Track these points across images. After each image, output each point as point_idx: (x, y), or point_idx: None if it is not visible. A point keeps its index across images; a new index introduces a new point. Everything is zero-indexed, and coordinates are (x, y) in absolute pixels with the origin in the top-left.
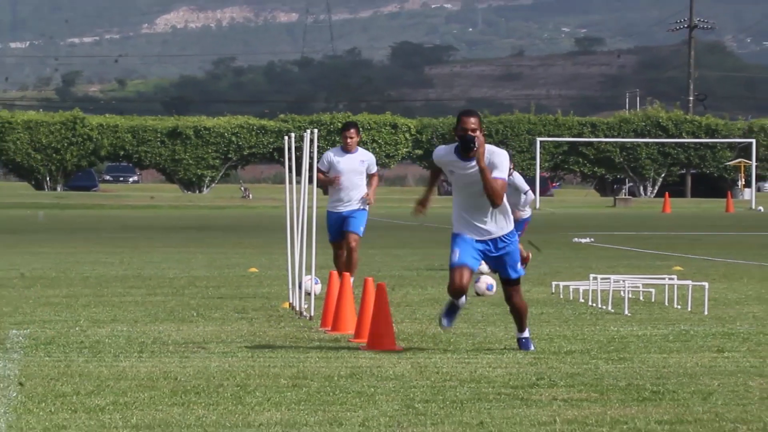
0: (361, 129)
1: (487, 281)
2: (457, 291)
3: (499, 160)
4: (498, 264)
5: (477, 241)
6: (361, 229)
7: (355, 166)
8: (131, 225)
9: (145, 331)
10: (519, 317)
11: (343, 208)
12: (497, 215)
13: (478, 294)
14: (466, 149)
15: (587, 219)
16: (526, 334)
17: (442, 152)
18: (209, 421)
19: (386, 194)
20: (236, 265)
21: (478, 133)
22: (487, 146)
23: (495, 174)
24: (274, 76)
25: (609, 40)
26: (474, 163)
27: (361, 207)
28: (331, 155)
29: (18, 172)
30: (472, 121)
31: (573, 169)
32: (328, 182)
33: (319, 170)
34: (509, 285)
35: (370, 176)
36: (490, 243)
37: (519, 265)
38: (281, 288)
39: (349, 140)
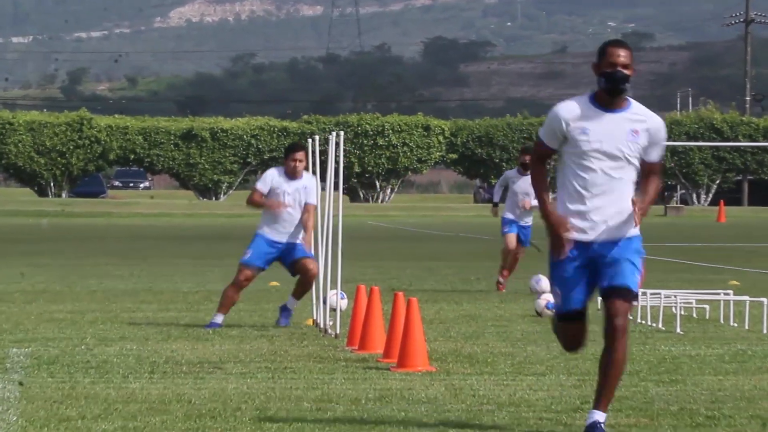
0: (385, 132)
1: (549, 298)
2: (574, 346)
3: (660, 136)
4: (610, 268)
5: (583, 243)
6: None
7: (301, 197)
8: (142, 235)
9: (156, 349)
10: (608, 377)
11: (281, 239)
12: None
13: (537, 313)
14: (615, 91)
15: None
16: (603, 417)
17: (571, 106)
18: None
19: (418, 202)
20: (256, 279)
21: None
22: (641, 108)
23: (653, 155)
24: (297, 73)
25: (659, 36)
26: (622, 114)
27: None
28: (276, 176)
29: (20, 177)
30: (623, 54)
31: None
32: (269, 206)
33: (257, 191)
34: (621, 297)
35: (305, 206)
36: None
37: (638, 277)
38: (304, 303)
39: (297, 164)
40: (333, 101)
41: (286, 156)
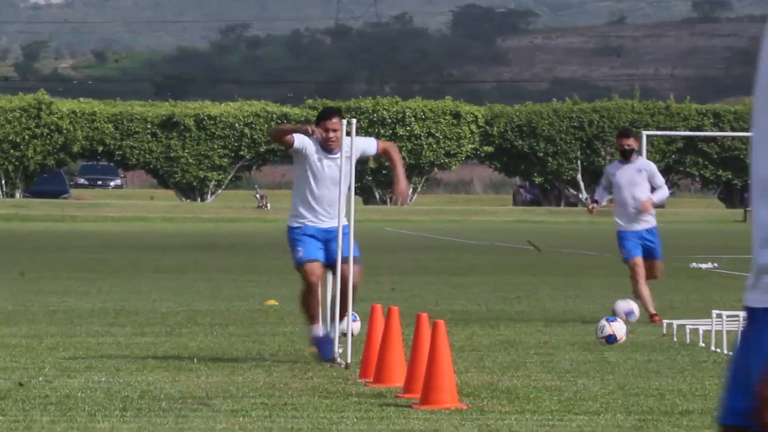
0: (406, 120)
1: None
2: None
3: None
4: None
5: None
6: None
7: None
8: (112, 243)
9: (129, 382)
10: None
11: (324, 224)
12: None
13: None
14: None
15: (709, 237)
16: None
17: None
18: None
19: (446, 205)
20: (249, 297)
21: None
22: None
23: None
24: (300, 49)
25: (737, 4)
26: None
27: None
28: (310, 142)
29: None
30: None
31: (690, 173)
32: (299, 131)
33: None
34: None
35: (379, 154)
36: None
37: None
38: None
39: (331, 135)
40: (343, 82)
41: (317, 123)
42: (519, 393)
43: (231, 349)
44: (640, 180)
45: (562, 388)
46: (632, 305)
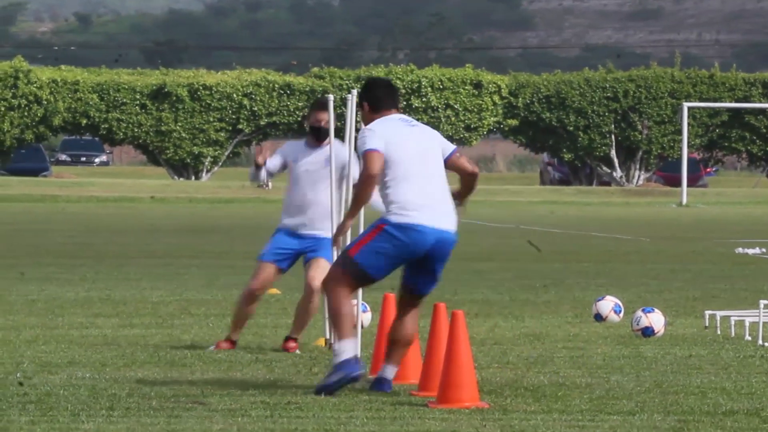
0: (422, 90)
1: (616, 300)
2: None
3: None
4: None
5: None
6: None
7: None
8: (97, 225)
9: (116, 378)
10: None
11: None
12: None
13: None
14: None
15: (757, 220)
16: None
17: None
18: None
19: None
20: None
21: None
22: None
23: None
24: (305, 11)
25: None
26: None
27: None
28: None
29: None
30: None
31: (736, 148)
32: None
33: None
34: None
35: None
36: None
37: None
38: (315, 319)
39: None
40: (352, 49)
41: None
42: (546, 391)
43: None
44: (321, 181)
45: (594, 385)
46: (616, 299)
